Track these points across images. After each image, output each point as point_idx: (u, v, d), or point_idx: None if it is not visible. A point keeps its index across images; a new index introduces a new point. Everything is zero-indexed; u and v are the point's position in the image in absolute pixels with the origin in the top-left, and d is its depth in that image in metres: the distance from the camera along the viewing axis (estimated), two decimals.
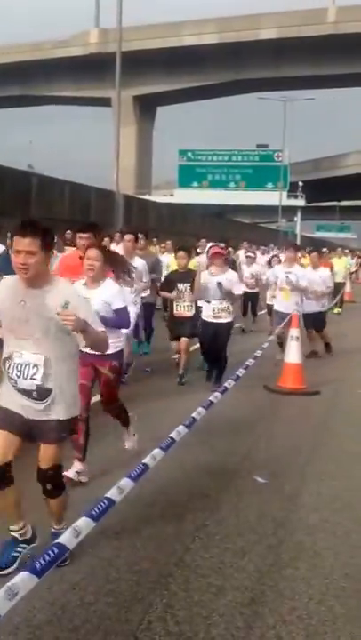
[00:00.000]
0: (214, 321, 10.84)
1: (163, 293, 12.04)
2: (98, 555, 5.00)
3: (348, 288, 32.15)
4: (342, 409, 10.27)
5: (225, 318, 10.92)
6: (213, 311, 10.82)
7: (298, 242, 62.11)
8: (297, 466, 7.34)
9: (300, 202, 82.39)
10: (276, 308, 13.36)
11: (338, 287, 22.75)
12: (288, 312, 12.19)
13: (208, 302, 10.87)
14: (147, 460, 4.11)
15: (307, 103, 72.87)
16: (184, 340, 11.36)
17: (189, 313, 11.34)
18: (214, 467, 7.18)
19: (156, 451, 4.28)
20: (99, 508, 3.40)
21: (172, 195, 78.38)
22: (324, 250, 24.60)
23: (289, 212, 78.37)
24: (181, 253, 11.73)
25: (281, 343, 12.76)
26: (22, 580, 2.73)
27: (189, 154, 79.93)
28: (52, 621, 4.16)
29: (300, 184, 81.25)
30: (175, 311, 11.40)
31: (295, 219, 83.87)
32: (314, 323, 14.55)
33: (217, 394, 6.39)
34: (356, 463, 7.55)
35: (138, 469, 3.95)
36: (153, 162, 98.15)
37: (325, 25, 77.54)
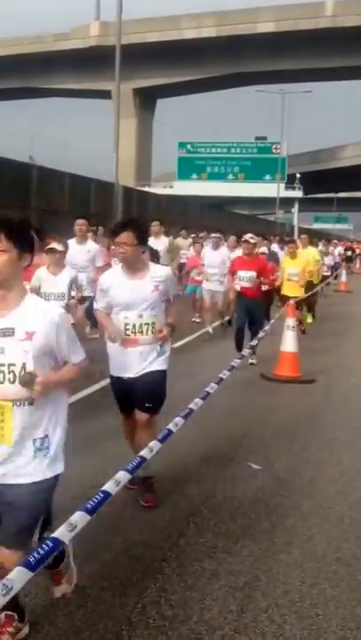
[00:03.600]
0: None
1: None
2: (93, 540, 5.02)
3: (343, 278, 32.14)
4: (336, 397, 10.34)
5: None
6: None
7: (295, 233, 62.12)
8: (291, 452, 7.40)
9: (298, 193, 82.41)
10: (115, 372, 5.99)
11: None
12: (133, 376, 5.83)
13: None
14: (144, 452, 4.11)
15: (305, 96, 72.87)
16: None
17: None
18: (210, 453, 7.24)
19: (153, 443, 4.29)
20: (94, 501, 3.38)
21: (171, 186, 78.36)
22: (246, 237, 12.54)
23: (287, 203, 78.45)
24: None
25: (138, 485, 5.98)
26: (17, 575, 2.73)
27: (189, 146, 79.89)
28: (47, 606, 4.20)
29: (298, 176, 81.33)
30: None
31: (293, 210, 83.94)
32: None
33: (213, 384, 6.42)
34: (349, 450, 7.61)
35: (135, 462, 3.94)
36: (153, 154, 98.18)
37: (323, 18, 77.51)
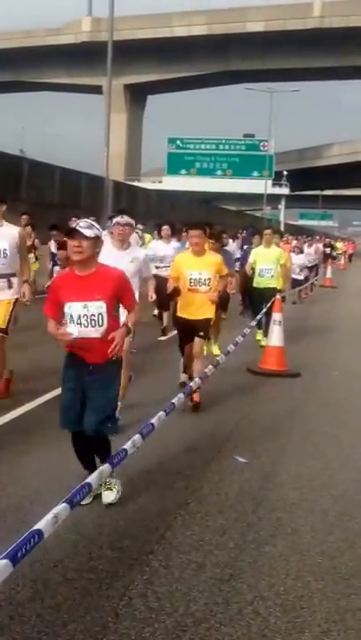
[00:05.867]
0: None
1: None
2: (80, 532, 5.06)
3: (328, 274, 32.16)
4: (321, 391, 10.41)
5: None
6: None
7: (282, 229, 62.34)
8: (277, 446, 7.44)
9: (285, 190, 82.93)
10: None
11: (261, 294, 13.47)
12: None
13: None
14: (127, 445, 4.12)
15: (293, 95, 73.09)
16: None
17: None
18: (197, 446, 7.28)
19: (137, 437, 4.30)
20: (79, 495, 3.39)
21: (160, 181, 78.78)
22: (82, 226, 5.39)
23: (273, 199, 78.97)
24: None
25: None
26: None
27: (178, 142, 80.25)
28: (34, 598, 4.20)
29: (285, 173, 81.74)
30: None
31: (279, 206, 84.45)
32: None
33: (197, 380, 6.46)
34: (333, 444, 7.67)
35: (119, 456, 3.95)
36: (142, 149, 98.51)
37: (311, 19, 78.36)
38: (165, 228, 14.42)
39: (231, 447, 7.28)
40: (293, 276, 19.24)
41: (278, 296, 12.25)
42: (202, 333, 8.79)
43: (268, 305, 12.40)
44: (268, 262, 13.64)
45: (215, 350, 11.97)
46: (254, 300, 14.06)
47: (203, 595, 4.35)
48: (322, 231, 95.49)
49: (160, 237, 14.59)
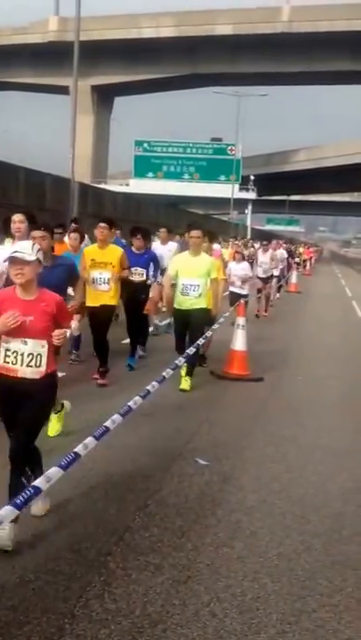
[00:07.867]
0: None
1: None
2: (38, 533, 5.05)
3: (293, 279, 32.28)
4: (283, 395, 10.47)
5: None
6: None
7: (248, 234, 62.60)
8: (238, 449, 7.48)
9: (252, 195, 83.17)
10: None
11: (185, 321, 10.25)
12: None
13: None
14: (78, 448, 4.05)
15: (261, 100, 73.47)
16: None
17: None
18: (158, 448, 7.29)
19: (89, 439, 4.24)
20: (23, 497, 3.36)
21: (127, 184, 78.74)
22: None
23: (240, 204, 79.03)
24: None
25: None
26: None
27: (145, 145, 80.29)
28: None
29: (252, 178, 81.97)
30: None
31: (246, 211, 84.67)
32: None
33: (155, 383, 6.38)
34: (293, 447, 7.73)
35: (68, 458, 3.87)
36: (109, 151, 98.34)
37: (279, 23, 78.50)
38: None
39: (192, 449, 7.31)
40: (233, 289, 15.70)
41: (242, 301, 12.22)
42: None
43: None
44: (195, 275, 10.15)
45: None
46: (177, 327, 10.61)
47: (160, 596, 4.37)
48: (288, 236, 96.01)
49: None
